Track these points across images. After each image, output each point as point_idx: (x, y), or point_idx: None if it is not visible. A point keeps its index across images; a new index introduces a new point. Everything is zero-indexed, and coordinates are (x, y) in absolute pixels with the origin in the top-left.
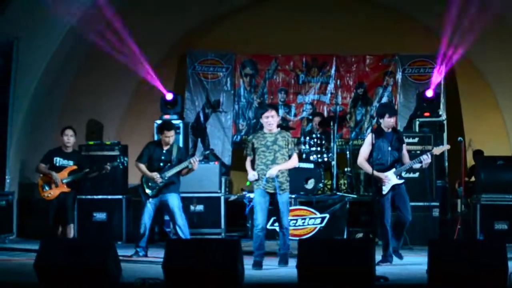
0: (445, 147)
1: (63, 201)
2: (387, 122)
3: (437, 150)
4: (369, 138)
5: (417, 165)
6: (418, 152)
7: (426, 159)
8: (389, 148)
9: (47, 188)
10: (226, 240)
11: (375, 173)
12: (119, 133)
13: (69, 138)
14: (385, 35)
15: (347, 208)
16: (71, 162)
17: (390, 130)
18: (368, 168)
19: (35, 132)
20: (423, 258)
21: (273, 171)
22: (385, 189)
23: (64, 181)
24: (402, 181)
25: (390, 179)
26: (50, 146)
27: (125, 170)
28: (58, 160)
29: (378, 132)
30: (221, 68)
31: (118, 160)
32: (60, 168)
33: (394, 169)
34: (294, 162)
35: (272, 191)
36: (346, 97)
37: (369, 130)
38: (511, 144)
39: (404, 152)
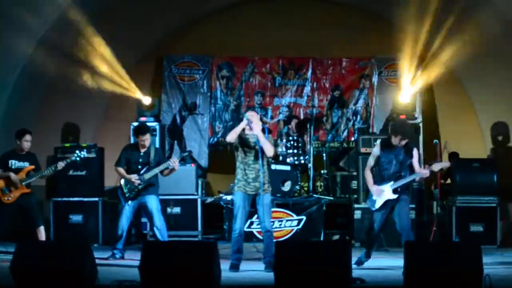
0: (445, 164)
1: (25, 202)
2: (395, 141)
3: (436, 167)
4: (375, 149)
5: (417, 179)
6: None
7: (424, 174)
8: (394, 161)
9: (6, 191)
10: (203, 242)
11: (371, 185)
12: (96, 136)
13: (28, 144)
14: (361, 38)
15: (323, 210)
16: (26, 164)
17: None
18: (368, 179)
19: (11, 138)
20: (399, 260)
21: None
22: (378, 203)
23: (23, 182)
24: (395, 196)
25: (384, 192)
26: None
27: (101, 172)
28: (14, 163)
29: (385, 143)
30: (197, 71)
31: (76, 155)
32: (16, 171)
33: (392, 182)
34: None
35: (253, 193)
36: (322, 99)
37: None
38: (486, 146)
39: (415, 164)
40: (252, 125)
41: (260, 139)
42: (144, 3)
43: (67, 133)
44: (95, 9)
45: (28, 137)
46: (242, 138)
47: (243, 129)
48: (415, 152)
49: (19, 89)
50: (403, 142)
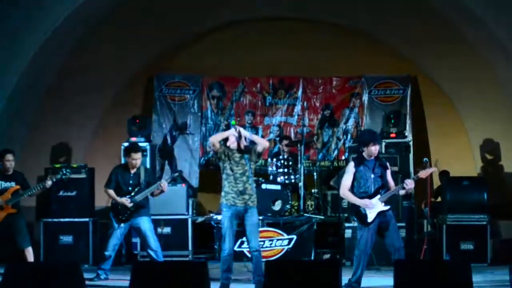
0: (431, 169)
1: (12, 223)
2: (371, 150)
3: (423, 174)
4: (349, 167)
5: (402, 192)
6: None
7: (410, 183)
8: (372, 176)
9: None
10: (193, 262)
11: (360, 200)
12: (86, 156)
13: (11, 163)
14: (351, 57)
15: (314, 229)
16: (13, 183)
17: (372, 157)
18: (352, 198)
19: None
20: (389, 279)
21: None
22: (371, 216)
23: (9, 202)
24: (388, 207)
25: (375, 205)
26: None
27: (91, 192)
28: (0, 184)
29: (359, 160)
30: (188, 91)
31: (61, 173)
32: (2, 191)
33: (379, 196)
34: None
35: (242, 206)
36: (313, 118)
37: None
38: (476, 164)
39: (389, 178)
40: (240, 132)
41: (253, 138)
42: (135, 23)
43: (58, 154)
44: (87, 28)
45: (9, 156)
46: (228, 152)
47: (229, 144)
48: (387, 164)
49: (10, 109)
50: (377, 148)
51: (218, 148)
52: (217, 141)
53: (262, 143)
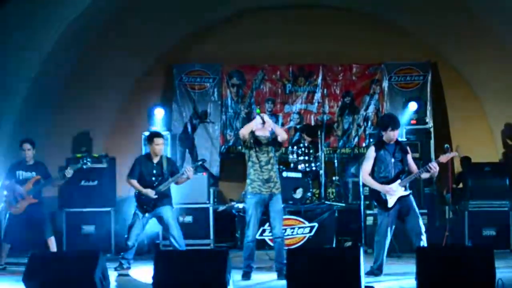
0: (452, 154)
1: (34, 213)
2: (389, 135)
3: (443, 158)
4: (370, 152)
5: (425, 175)
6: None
7: (434, 167)
8: (392, 160)
9: (14, 202)
10: (215, 250)
11: (379, 186)
12: (107, 146)
13: (27, 152)
14: (371, 43)
15: (335, 216)
16: (33, 174)
17: (392, 142)
18: (372, 183)
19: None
20: (411, 266)
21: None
22: (391, 202)
23: (30, 193)
24: (408, 192)
25: (396, 190)
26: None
27: (113, 182)
28: (21, 173)
29: (379, 144)
30: (208, 79)
31: (81, 162)
32: (24, 181)
33: (399, 181)
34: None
35: (268, 193)
36: (333, 106)
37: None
38: (497, 150)
39: (410, 161)
40: (263, 119)
41: (275, 129)
42: (154, 11)
43: (79, 144)
44: (104, 19)
45: (27, 145)
46: (255, 138)
47: (254, 130)
48: (408, 148)
49: (31, 99)
50: (395, 134)
51: (247, 138)
52: (247, 132)
53: (281, 134)
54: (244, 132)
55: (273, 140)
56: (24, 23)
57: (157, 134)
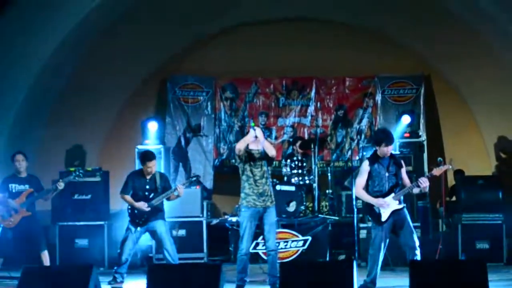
0: (445, 167)
1: (27, 226)
2: (383, 150)
3: (437, 171)
4: (364, 166)
5: (416, 190)
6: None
7: (424, 182)
8: (386, 174)
9: (7, 216)
10: (208, 264)
11: (373, 199)
12: (100, 159)
13: (20, 163)
14: (364, 56)
15: (329, 230)
16: (27, 186)
17: (386, 156)
18: (366, 197)
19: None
20: (405, 279)
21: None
22: (385, 215)
23: (23, 206)
24: (402, 205)
25: (389, 204)
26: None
27: (106, 196)
28: (14, 187)
29: (373, 158)
30: (201, 92)
31: (73, 174)
32: (17, 194)
33: (393, 194)
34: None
35: (262, 207)
36: (326, 119)
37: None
38: (491, 163)
39: (404, 175)
40: (257, 132)
41: (263, 144)
42: (147, 25)
43: (73, 158)
44: (98, 33)
45: (19, 157)
46: (248, 152)
47: (248, 144)
48: (402, 162)
49: (24, 113)
50: (390, 148)
51: (242, 152)
52: (244, 147)
53: (269, 149)
54: (240, 146)
55: (265, 155)
56: (16, 38)
57: (149, 157)
